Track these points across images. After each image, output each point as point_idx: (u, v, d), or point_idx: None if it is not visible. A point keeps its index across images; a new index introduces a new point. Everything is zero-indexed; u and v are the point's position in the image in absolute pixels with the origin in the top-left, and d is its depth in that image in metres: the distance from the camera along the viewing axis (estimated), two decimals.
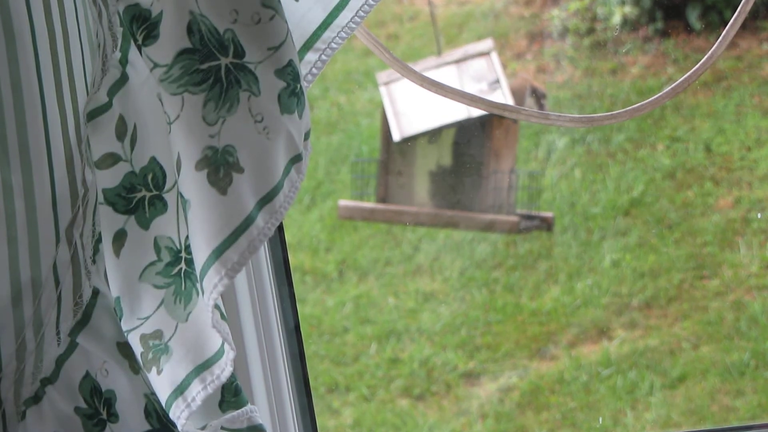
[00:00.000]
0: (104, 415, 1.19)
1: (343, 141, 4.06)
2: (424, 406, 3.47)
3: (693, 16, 3.93)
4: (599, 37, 4.03)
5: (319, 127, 4.08)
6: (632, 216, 3.73)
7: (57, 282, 1.17)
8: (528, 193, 3.68)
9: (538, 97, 3.61)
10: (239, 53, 1.07)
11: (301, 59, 1.19)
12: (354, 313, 3.69)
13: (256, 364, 1.41)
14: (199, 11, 1.07)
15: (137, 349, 1.15)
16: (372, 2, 1.20)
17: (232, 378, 1.15)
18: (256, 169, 1.06)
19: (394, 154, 3.58)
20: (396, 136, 3.53)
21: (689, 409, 3.32)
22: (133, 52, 1.14)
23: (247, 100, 1.07)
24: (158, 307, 1.14)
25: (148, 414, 1.18)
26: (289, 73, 1.08)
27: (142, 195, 1.15)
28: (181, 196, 1.08)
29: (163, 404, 1.14)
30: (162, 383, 1.13)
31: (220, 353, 1.12)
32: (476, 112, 3.46)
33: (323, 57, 1.20)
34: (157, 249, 1.15)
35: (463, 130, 3.54)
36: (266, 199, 1.07)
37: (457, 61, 3.56)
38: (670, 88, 1.43)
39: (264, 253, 1.42)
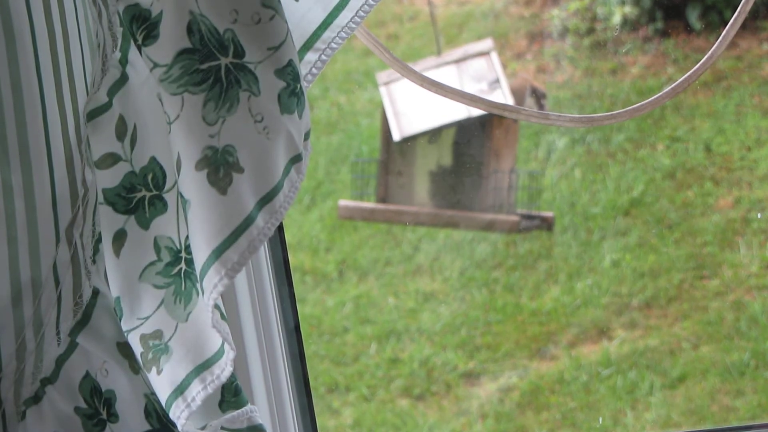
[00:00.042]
0: (104, 415, 1.19)
1: (343, 141, 4.06)
2: (424, 406, 3.47)
3: (693, 16, 3.93)
4: (599, 37, 4.03)
5: (319, 127, 4.08)
6: (632, 216, 3.73)
7: (57, 282, 1.17)
8: (528, 193, 3.68)
9: (538, 97, 3.61)
10: (239, 53, 1.07)
11: (301, 59, 1.19)
12: (354, 313, 3.69)
13: (256, 364, 1.41)
14: (199, 11, 1.07)
15: (137, 349, 1.15)
16: (372, 2, 1.20)
17: (232, 378, 1.15)
18: (256, 169, 1.06)
19: (394, 154, 3.58)
20: (396, 136, 3.53)
21: (689, 409, 3.32)
22: (133, 52, 1.14)
23: (247, 100, 1.07)
24: (158, 307, 1.14)
25: (148, 414, 1.18)
26: (289, 73, 1.08)
27: (142, 195, 1.15)
28: (181, 196, 1.08)
29: (163, 404, 1.14)
30: (162, 383, 1.13)
31: (220, 353, 1.12)
32: (476, 112, 3.46)
33: (323, 57, 1.20)
34: (157, 249, 1.15)
35: (463, 129, 3.54)
36: (266, 199, 1.07)
37: (457, 61, 3.56)
38: (670, 88, 1.43)
39: (264, 253, 1.42)
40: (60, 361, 1.19)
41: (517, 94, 3.56)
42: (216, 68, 1.07)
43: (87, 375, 1.19)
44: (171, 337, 1.13)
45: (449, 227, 3.66)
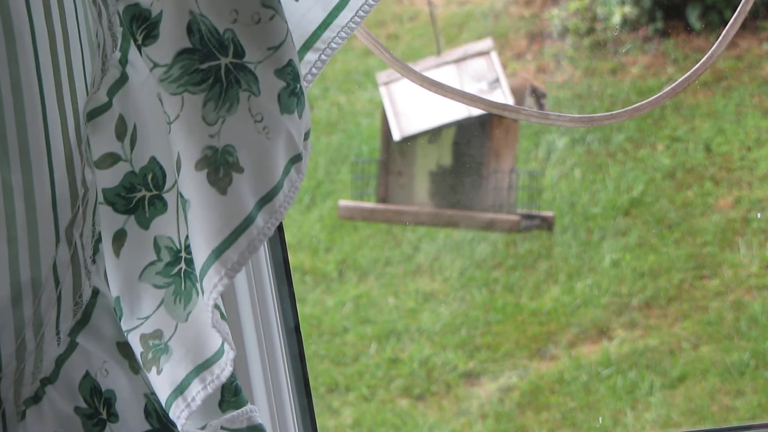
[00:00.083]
0: (104, 415, 1.19)
1: (343, 141, 4.06)
2: (424, 406, 3.47)
3: (693, 16, 3.93)
4: (599, 37, 4.03)
5: (319, 127, 4.08)
6: (632, 216, 3.73)
7: (57, 282, 1.17)
8: (528, 193, 3.68)
9: (538, 96, 3.61)
10: (239, 53, 1.07)
11: (300, 59, 1.19)
12: (354, 313, 3.69)
13: (256, 364, 1.41)
14: (199, 11, 1.07)
15: (137, 348, 1.15)
16: (372, 2, 1.20)
17: (232, 378, 1.15)
18: (255, 168, 1.06)
19: (394, 154, 3.58)
20: (396, 136, 3.53)
21: (689, 409, 3.32)
22: (132, 51, 1.14)
23: (247, 99, 1.07)
24: (158, 307, 1.14)
25: (148, 414, 1.18)
26: (289, 73, 1.08)
27: (141, 195, 1.15)
28: (181, 196, 1.08)
29: (163, 404, 1.14)
30: (162, 383, 1.13)
31: (219, 353, 1.12)
32: (476, 112, 3.46)
33: (323, 57, 1.20)
34: (157, 249, 1.15)
35: (463, 129, 3.54)
36: (266, 199, 1.07)
37: (457, 61, 3.56)
38: (670, 88, 1.43)
39: (264, 253, 1.42)
40: (60, 361, 1.19)
41: (517, 94, 3.56)
42: (216, 68, 1.07)
43: (87, 375, 1.19)
44: (171, 336, 1.13)
45: (449, 227, 3.66)
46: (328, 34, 1.19)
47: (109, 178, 1.14)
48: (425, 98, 3.40)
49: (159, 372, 1.13)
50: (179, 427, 1.13)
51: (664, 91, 1.43)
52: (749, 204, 3.69)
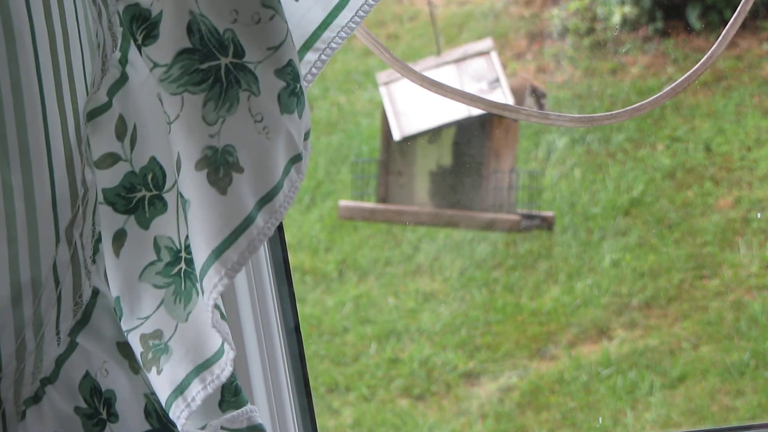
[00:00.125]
0: (104, 415, 1.19)
1: (343, 141, 4.06)
2: (424, 406, 3.47)
3: (693, 16, 3.93)
4: (599, 37, 4.03)
5: (319, 127, 4.08)
6: (632, 216, 3.73)
7: (57, 282, 1.17)
8: (528, 193, 3.68)
9: (538, 96, 3.61)
10: (239, 53, 1.07)
11: (300, 59, 1.19)
12: (354, 313, 3.69)
13: (256, 364, 1.41)
14: (199, 11, 1.07)
15: (137, 348, 1.15)
16: (372, 2, 1.20)
17: (232, 378, 1.15)
18: (255, 168, 1.06)
19: (394, 154, 3.58)
20: (396, 136, 3.53)
21: (689, 409, 3.32)
22: (132, 51, 1.14)
23: (247, 99, 1.07)
24: (158, 307, 1.14)
25: (148, 414, 1.18)
26: (288, 73, 1.08)
27: (141, 195, 1.15)
28: (181, 196, 1.08)
29: (163, 404, 1.14)
30: (162, 383, 1.13)
31: (219, 353, 1.12)
32: (476, 112, 3.46)
33: (323, 57, 1.20)
34: (157, 249, 1.15)
35: (463, 129, 3.54)
36: (266, 199, 1.07)
37: (457, 61, 3.56)
38: (670, 87, 1.43)
39: (264, 253, 1.42)
40: (60, 361, 1.19)
41: (517, 93, 3.56)
42: (216, 68, 1.07)
43: (87, 375, 1.19)
44: (171, 336, 1.13)
45: (449, 227, 3.66)
46: (328, 34, 1.19)
47: (109, 178, 1.14)
48: (425, 98, 3.40)
49: (159, 372, 1.13)
50: (179, 427, 1.13)
51: (664, 91, 1.43)
52: (749, 204, 3.69)
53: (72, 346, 1.19)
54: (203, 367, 1.12)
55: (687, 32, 3.94)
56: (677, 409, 3.33)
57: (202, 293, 1.07)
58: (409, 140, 3.54)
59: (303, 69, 1.19)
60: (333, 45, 1.20)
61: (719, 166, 3.78)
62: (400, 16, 4.33)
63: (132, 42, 1.12)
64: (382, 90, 3.58)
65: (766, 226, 3.65)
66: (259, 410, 1.19)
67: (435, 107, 3.49)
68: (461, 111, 3.49)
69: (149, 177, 1.15)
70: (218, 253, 1.06)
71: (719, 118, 3.84)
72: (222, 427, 1.16)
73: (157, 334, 1.14)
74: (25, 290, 1.16)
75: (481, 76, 3.53)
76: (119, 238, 1.14)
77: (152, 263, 1.15)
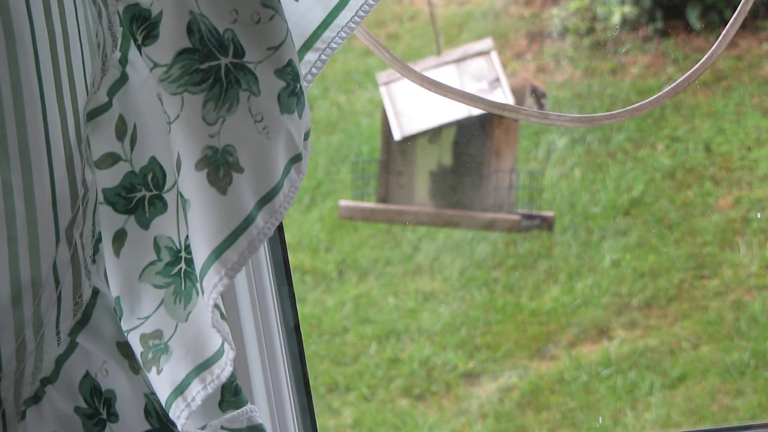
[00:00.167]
0: (104, 415, 1.19)
1: (343, 141, 4.06)
2: (424, 406, 3.47)
3: (693, 16, 3.93)
4: (599, 36, 4.03)
5: (319, 127, 4.08)
6: (632, 216, 3.73)
7: (57, 282, 1.17)
8: (528, 193, 3.68)
9: (538, 96, 3.61)
10: (239, 53, 1.07)
11: (300, 59, 1.19)
12: (354, 313, 3.69)
13: (256, 364, 1.41)
14: (199, 11, 1.07)
15: (137, 348, 1.15)
16: (372, 2, 1.20)
17: (232, 378, 1.15)
18: (255, 168, 1.06)
19: (395, 154, 3.58)
20: (396, 136, 3.53)
21: (689, 409, 3.32)
22: (132, 51, 1.14)
23: (247, 99, 1.07)
24: (158, 307, 1.14)
25: (148, 414, 1.18)
26: (288, 73, 1.08)
27: (142, 195, 1.15)
28: (181, 196, 1.08)
29: (163, 404, 1.14)
30: (162, 383, 1.13)
31: (219, 353, 1.12)
32: (476, 112, 3.46)
33: (323, 57, 1.20)
34: (157, 249, 1.15)
35: (464, 129, 3.54)
36: (266, 199, 1.07)
37: (457, 61, 3.56)
38: (670, 87, 1.43)
39: (264, 253, 1.42)
40: (60, 361, 1.19)
41: (517, 93, 3.56)
42: (216, 68, 1.07)
43: (87, 375, 1.19)
44: (171, 336, 1.13)
45: (449, 227, 3.66)
46: (328, 34, 1.19)
47: (109, 178, 1.14)
48: (425, 98, 3.40)
49: (159, 372, 1.13)
50: (179, 427, 1.13)
51: (664, 91, 1.43)
52: (749, 204, 3.69)
53: (72, 346, 1.19)
54: (203, 367, 1.12)
55: (687, 32, 3.94)
56: (677, 409, 3.33)
57: (202, 293, 1.07)
58: (410, 140, 3.54)
59: (303, 69, 1.19)
60: (333, 45, 1.20)
61: (719, 166, 3.78)
62: (400, 16, 4.34)
63: (132, 42, 1.12)
64: (382, 90, 3.58)
65: (766, 226, 3.65)
66: (259, 410, 1.19)
67: (435, 107, 3.49)
68: (461, 111, 3.49)
69: (149, 177, 1.15)
70: (218, 253, 1.06)
71: (719, 118, 3.84)
72: (222, 427, 1.16)
73: (157, 334, 1.14)
74: (25, 290, 1.16)
75: (481, 76, 3.53)
76: (119, 238, 1.14)
77: (152, 263, 1.15)
